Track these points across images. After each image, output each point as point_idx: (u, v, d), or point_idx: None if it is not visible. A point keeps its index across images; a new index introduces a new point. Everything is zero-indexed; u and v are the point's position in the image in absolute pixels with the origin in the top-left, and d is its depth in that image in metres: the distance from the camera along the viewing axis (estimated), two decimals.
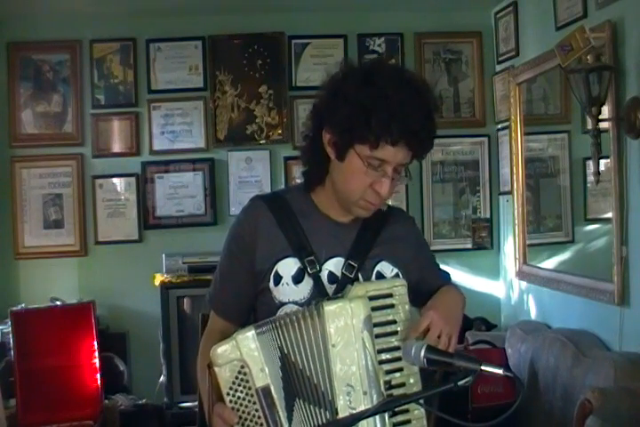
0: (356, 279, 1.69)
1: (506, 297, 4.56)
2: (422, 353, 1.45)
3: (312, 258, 1.69)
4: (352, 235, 1.74)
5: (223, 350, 1.54)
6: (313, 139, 1.72)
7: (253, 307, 1.77)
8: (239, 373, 1.53)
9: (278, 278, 1.70)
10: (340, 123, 1.61)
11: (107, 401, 3.83)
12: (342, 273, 1.70)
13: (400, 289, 1.60)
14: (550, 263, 3.89)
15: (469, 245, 4.65)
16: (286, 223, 1.72)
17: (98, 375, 3.77)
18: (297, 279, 1.70)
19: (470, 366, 1.39)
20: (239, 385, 1.54)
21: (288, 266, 1.70)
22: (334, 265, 1.71)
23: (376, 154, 1.60)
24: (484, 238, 4.64)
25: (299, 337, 1.53)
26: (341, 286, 1.67)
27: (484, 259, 4.66)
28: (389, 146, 1.59)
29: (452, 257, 4.61)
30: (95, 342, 3.81)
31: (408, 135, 1.58)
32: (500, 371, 1.37)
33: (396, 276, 1.74)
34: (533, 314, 4.10)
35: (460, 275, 4.63)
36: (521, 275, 4.18)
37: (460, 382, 1.38)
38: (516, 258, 4.21)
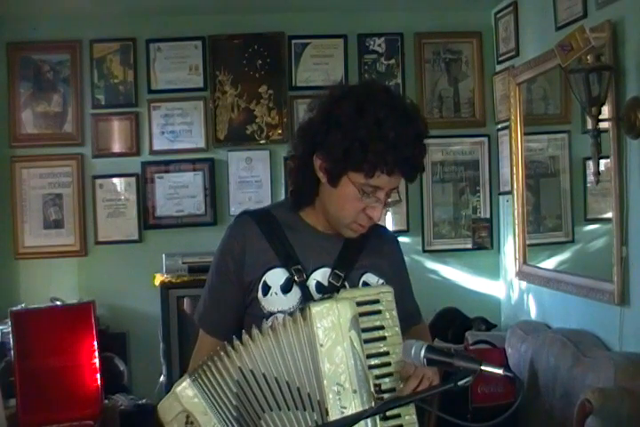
0: (343, 288, 1.69)
1: (506, 297, 4.56)
2: (422, 353, 1.46)
3: (299, 267, 1.70)
4: (338, 246, 1.75)
5: (166, 406, 1.60)
6: (303, 161, 1.71)
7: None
8: (186, 423, 1.59)
9: (267, 288, 1.71)
10: (334, 152, 1.61)
11: (107, 401, 3.82)
12: (329, 282, 1.71)
13: (387, 295, 1.60)
14: (550, 263, 3.89)
15: (469, 245, 4.65)
16: (273, 236, 1.73)
17: (98, 375, 3.75)
18: (285, 289, 1.70)
19: (470, 366, 1.39)
20: None
21: (276, 276, 1.71)
22: (321, 275, 1.72)
23: (371, 182, 1.62)
24: (484, 238, 4.64)
25: (272, 346, 1.52)
26: (329, 294, 1.66)
27: (484, 259, 4.65)
28: (385, 175, 1.61)
29: (452, 257, 4.62)
30: (95, 342, 3.79)
31: (403, 164, 1.61)
32: (499, 371, 1.37)
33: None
34: (533, 314, 4.10)
35: (460, 275, 4.64)
36: (521, 275, 4.18)
37: (460, 382, 1.38)
38: (515, 258, 4.21)
